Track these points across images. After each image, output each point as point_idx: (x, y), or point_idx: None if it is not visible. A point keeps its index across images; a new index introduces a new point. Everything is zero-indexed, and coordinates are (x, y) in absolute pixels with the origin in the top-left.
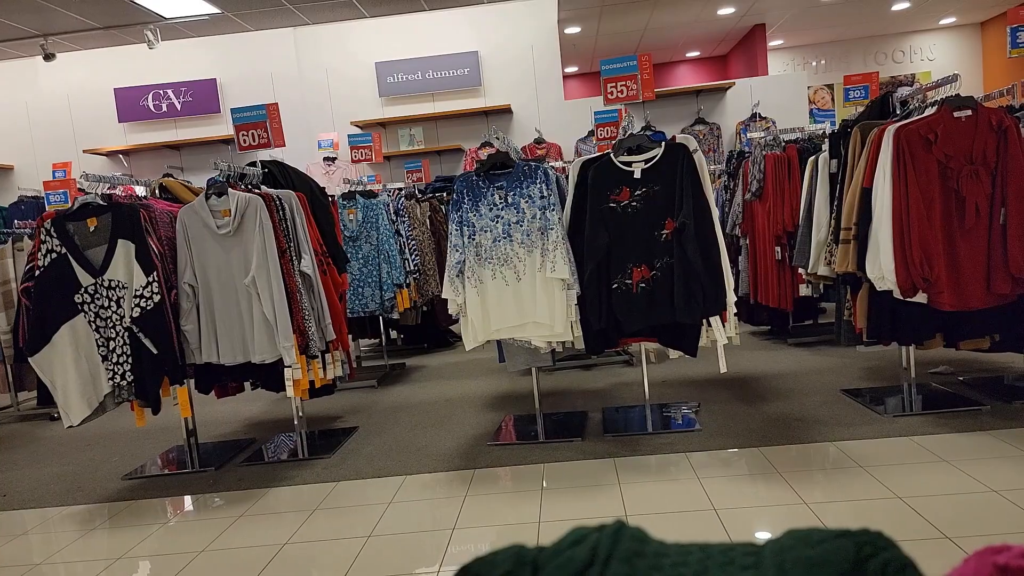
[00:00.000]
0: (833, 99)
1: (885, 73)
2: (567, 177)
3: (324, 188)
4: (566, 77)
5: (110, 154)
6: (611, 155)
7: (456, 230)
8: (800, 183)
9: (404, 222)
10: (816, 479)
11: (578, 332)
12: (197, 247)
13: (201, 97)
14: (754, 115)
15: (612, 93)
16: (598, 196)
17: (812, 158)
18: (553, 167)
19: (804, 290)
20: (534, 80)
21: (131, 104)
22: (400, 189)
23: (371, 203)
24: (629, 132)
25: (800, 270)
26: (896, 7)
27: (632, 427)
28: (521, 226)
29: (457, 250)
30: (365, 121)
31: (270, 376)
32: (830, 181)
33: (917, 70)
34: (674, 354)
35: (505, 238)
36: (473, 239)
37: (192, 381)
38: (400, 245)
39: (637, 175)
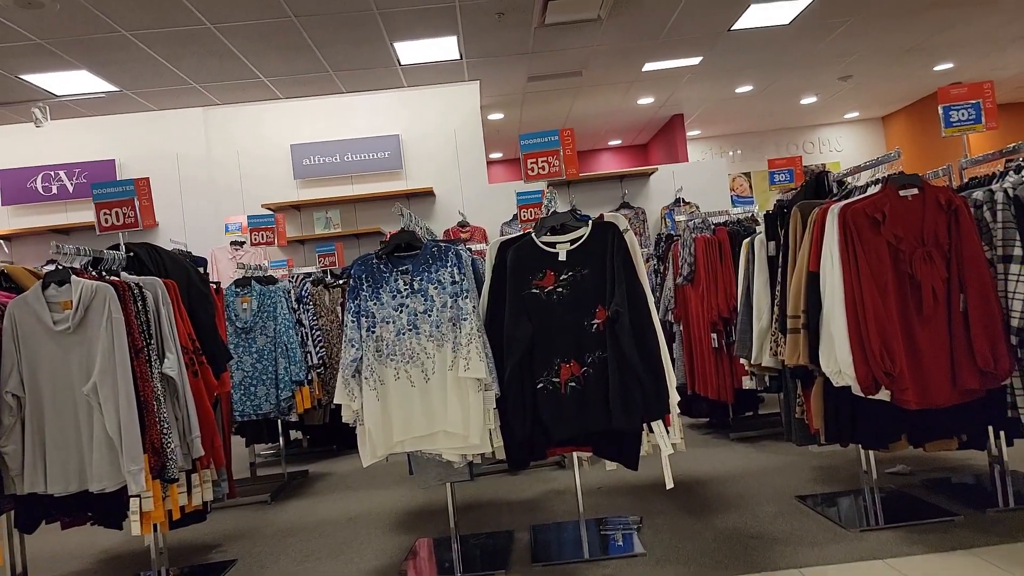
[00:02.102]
0: (751, 186)
1: None
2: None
3: (207, 275)
4: (490, 163)
5: None
6: (532, 235)
7: (352, 322)
8: (733, 266)
9: (308, 310)
10: None
11: (498, 442)
12: (27, 347)
13: (97, 179)
14: (678, 200)
15: (533, 170)
16: (519, 281)
17: (747, 240)
18: (470, 249)
19: (748, 383)
20: (457, 164)
21: (17, 186)
22: (309, 274)
23: (268, 290)
24: (552, 211)
25: (742, 361)
26: (804, 101)
27: (565, 552)
28: (429, 316)
29: (353, 345)
30: (278, 203)
31: (112, 508)
32: (769, 264)
33: (827, 160)
34: (611, 465)
35: (411, 330)
36: (373, 332)
37: (11, 516)
38: (302, 336)
39: (562, 257)
